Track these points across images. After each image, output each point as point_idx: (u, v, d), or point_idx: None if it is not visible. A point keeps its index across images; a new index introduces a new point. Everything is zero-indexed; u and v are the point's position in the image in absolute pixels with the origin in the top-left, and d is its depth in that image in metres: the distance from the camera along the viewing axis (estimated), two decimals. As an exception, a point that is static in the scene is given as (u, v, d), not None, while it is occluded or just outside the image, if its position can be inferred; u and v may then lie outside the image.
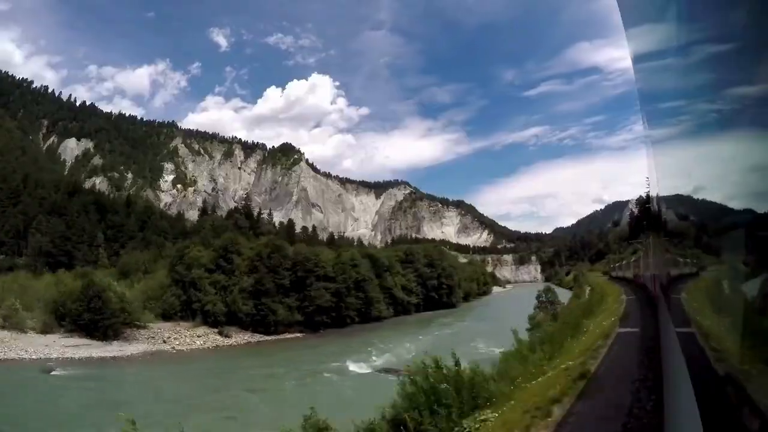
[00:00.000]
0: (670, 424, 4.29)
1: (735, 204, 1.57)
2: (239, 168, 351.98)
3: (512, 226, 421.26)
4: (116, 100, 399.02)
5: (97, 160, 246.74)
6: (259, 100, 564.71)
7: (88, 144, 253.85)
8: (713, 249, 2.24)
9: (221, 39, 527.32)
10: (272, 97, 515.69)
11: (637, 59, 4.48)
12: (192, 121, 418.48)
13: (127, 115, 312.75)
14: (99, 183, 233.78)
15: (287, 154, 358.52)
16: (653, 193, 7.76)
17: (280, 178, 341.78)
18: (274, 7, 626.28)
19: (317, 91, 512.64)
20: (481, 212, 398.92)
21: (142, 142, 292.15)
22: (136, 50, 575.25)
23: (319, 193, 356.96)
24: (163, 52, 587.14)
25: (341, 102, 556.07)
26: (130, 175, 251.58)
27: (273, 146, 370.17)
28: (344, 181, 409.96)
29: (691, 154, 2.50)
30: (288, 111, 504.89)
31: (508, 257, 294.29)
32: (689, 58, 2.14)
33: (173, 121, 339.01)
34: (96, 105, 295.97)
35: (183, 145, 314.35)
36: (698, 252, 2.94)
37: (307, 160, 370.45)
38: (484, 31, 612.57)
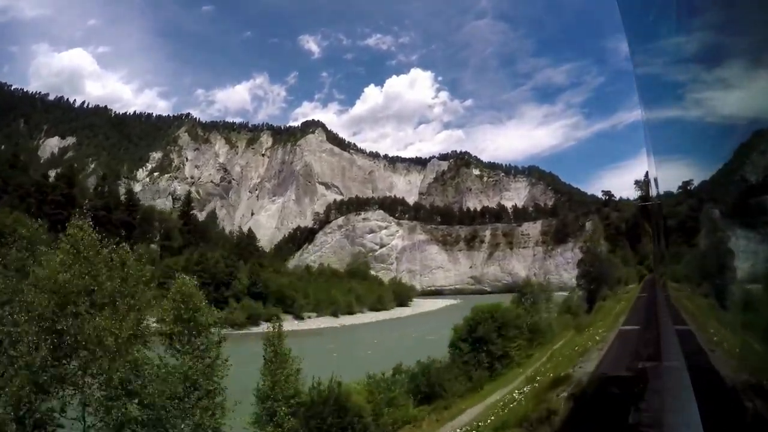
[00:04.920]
0: (670, 421, 4.42)
1: (734, 201, 1.50)
2: (262, 155, 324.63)
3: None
4: (228, 119, 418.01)
5: (69, 155, 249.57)
6: (357, 101, 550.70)
7: (72, 141, 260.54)
8: (711, 246, 2.15)
9: (315, 47, 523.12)
10: (371, 96, 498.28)
11: (635, 44, 4.57)
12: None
13: (138, 112, 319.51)
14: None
15: (305, 131, 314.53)
16: (653, 189, 7.56)
17: (287, 158, 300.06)
18: (370, 9, 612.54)
19: (417, 86, 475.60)
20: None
21: (145, 137, 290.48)
22: (238, 70, 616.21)
23: (337, 171, 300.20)
24: (262, 67, 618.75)
25: (443, 96, 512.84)
26: (93, 165, 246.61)
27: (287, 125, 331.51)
28: (394, 160, 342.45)
29: (688, 142, 2.38)
30: (387, 109, 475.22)
31: (535, 227, 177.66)
32: (687, 44, 2.09)
33: (188, 113, 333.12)
34: (107, 106, 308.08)
35: (186, 134, 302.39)
36: (696, 249, 2.83)
37: (329, 132, 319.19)
38: (591, 1, 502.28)
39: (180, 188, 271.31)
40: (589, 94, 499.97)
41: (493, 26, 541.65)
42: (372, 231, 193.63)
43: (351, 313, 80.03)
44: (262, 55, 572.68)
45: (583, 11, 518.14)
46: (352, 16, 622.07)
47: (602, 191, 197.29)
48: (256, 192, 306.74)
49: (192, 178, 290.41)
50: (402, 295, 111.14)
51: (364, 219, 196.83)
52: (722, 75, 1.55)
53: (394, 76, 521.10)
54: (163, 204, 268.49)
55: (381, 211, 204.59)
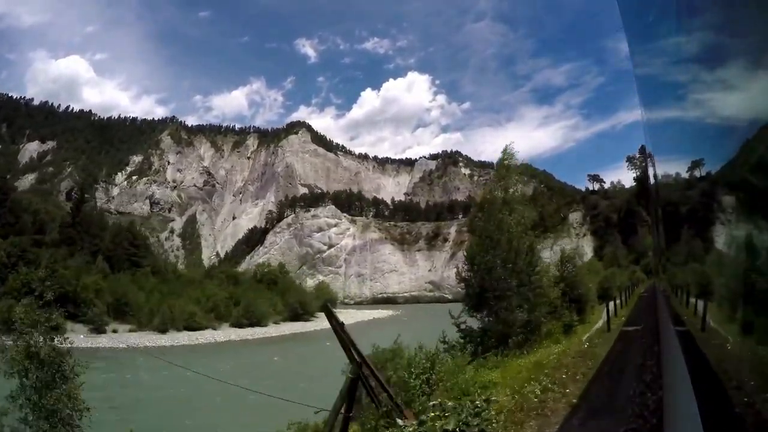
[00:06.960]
0: (670, 422, 4.42)
1: (735, 197, 1.52)
2: (248, 158, 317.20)
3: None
4: (225, 124, 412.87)
5: (48, 159, 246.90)
6: (354, 105, 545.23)
7: (52, 145, 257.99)
8: (712, 243, 2.18)
9: (311, 51, 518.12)
10: (368, 100, 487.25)
11: (635, 44, 4.65)
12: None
13: (123, 116, 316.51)
14: (31, 179, 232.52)
15: (289, 132, 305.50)
16: (652, 184, 7.83)
17: (269, 159, 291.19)
18: (368, 11, 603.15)
19: (414, 89, 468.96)
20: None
21: (127, 140, 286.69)
22: (236, 75, 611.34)
23: (321, 173, 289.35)
24: (259, 71, 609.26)
25: (441, 99, 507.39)
26: (70, 169, 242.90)
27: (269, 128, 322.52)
28: (383, 161, 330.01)
29: (689, 143, 2.42)
30: (384, 112, 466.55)
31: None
32: (687, 44, 2.11)
33: (173, 116, 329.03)
34: (91, 111, 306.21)
35: (169, 137, 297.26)
36: (696, 246, 2.87)
37: (314, 132, 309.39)
38: (591, 1, 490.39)
39: (159, 192, 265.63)
40: (589, 94, 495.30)
41: (492, 27, 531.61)
42: (321, 229, 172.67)
43: (192, 328, 61.22)
44: (259, 60, 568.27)
45: (583, 11, 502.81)
46: (349, 19, 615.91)
47: (588, 175, 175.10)
48: (240, 195, 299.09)
49: (174, 181, 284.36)
50: (312, 304, 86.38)
51: (313, 216, 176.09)
52: (722, 75, 1.53)
53: (391, 80, 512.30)
54: (140, 208, 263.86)
55: (332, 207, 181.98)
